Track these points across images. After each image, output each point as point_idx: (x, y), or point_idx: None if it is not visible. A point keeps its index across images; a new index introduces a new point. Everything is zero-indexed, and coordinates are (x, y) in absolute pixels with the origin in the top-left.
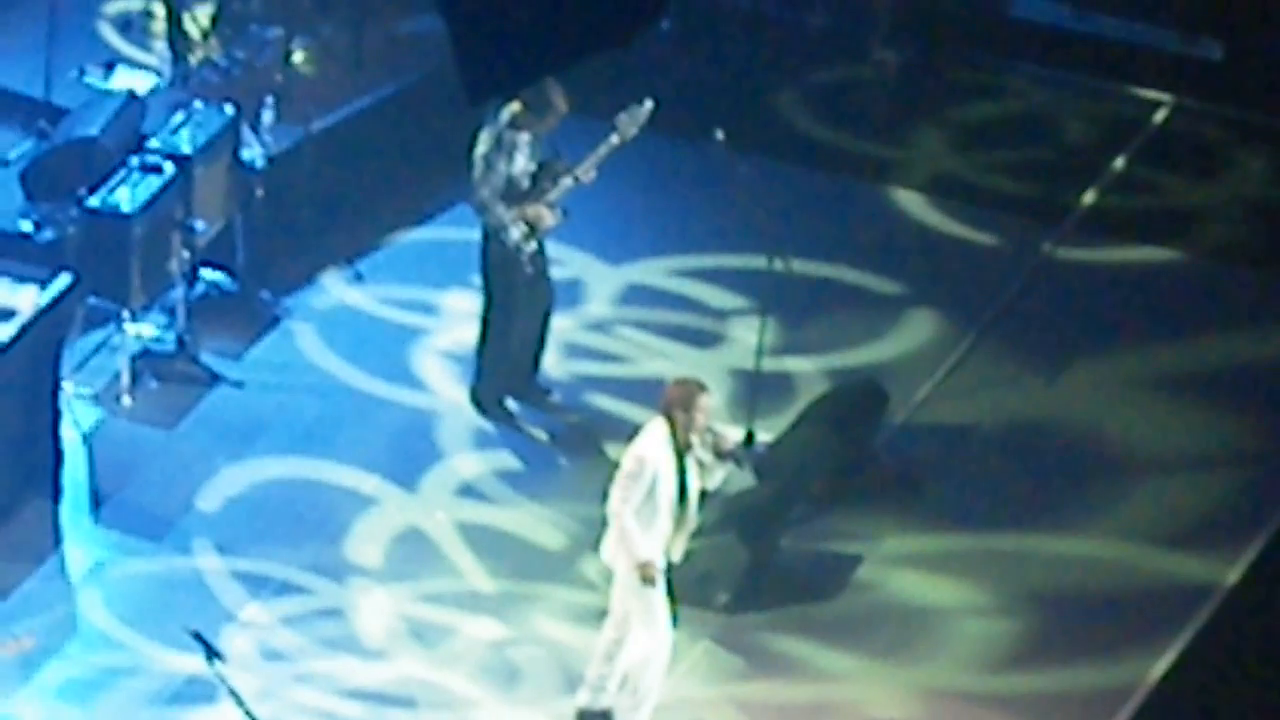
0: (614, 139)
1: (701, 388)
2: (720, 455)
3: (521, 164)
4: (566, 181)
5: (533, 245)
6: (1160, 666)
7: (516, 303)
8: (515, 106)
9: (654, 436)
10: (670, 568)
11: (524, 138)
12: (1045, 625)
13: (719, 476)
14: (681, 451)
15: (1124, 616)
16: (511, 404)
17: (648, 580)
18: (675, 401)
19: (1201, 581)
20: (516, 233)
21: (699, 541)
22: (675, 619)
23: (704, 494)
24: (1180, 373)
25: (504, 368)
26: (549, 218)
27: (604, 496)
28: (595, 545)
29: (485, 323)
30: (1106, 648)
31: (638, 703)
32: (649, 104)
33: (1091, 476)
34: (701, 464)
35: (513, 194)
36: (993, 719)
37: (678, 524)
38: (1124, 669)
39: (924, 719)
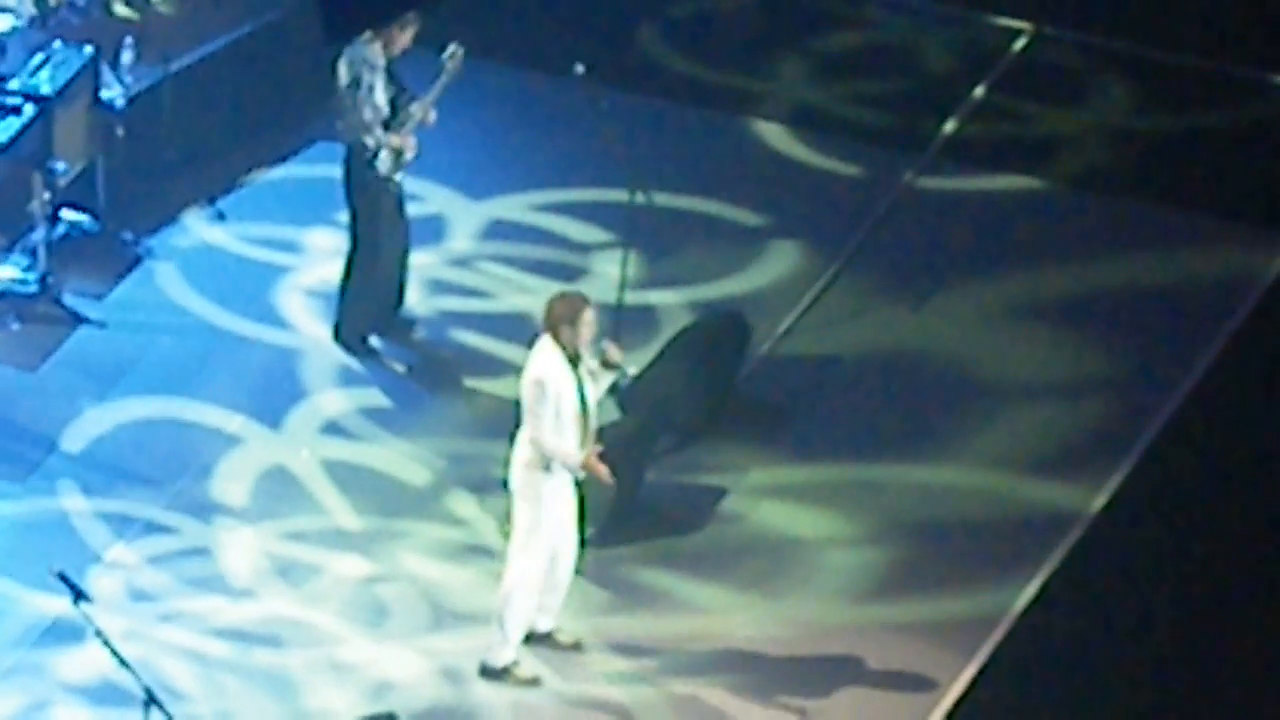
0: (444, 81)
1: (585, 301)
2: (606, 365)
3: (380, 90)
4: (415, 113)
5: (399, 176)
6: (1026, 594)
7: (382, 238)
8: (368, 34)
9: (547, 355)
10: (579, 484)
11: (380, 63)
12: (911, 555)
13: (604, 386)
14: (575, 364)
15: (989, 545)
16: (375, 341)
17: (590, 472)
18: (561, 317)
19: (1066, 509)
20: (388, 159)
21: None
22: (583, 540)
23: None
24: (1042, 301)
25: (368, 304)
26: (412, 147)
27: (469, 431)
28: (460, 481)
29: (350, 259)
30: (972, 576)
31: (504, 636)
32: (458, 49)
33: (955, 405)
34: (591, 374)
35: (381, 120)
36: (860, 648)
37: (583, 438)
38: (990, 597)
39: (792, 650)
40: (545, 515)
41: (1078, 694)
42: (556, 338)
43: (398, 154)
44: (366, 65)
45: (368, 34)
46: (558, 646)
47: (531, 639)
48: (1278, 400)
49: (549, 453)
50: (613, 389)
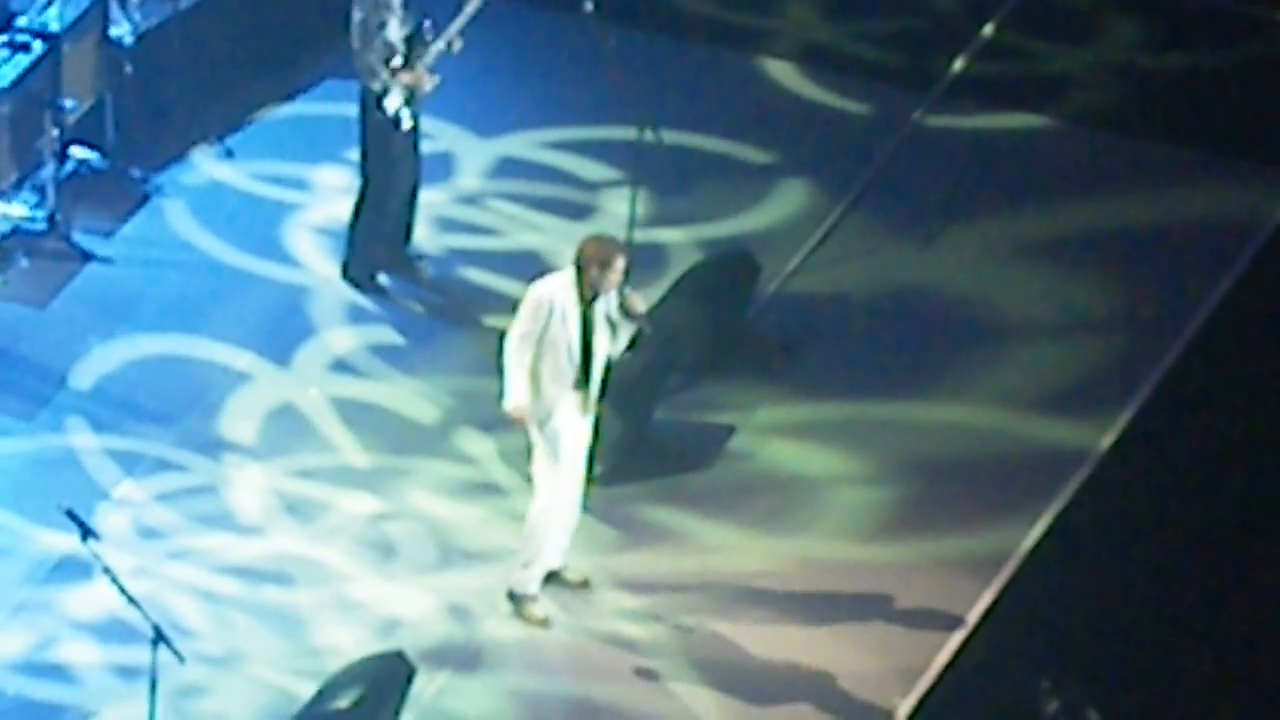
0: (471, 6)
1: (619, 247)
2: (630, 316)
3: (395, 28)
4: (439, 45)
5: (409, 113)
6: (1033, 533)
7: (393, 175)
8: None
9: (558, 280)
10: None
11: (396, 0)
12: (919, 493)
13: (625, 338)
14: (586, 304)
15: (998, 483)
16: (384, 278)
17: (517, 424)
18: (591, 258)
19: (1075, 447)
20: (398, 98)
21: None
22: (591, 477)
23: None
24: (1051, 239)
25: (377, 241)
26: (427, 82)
27: (478, 369)
28: (469, 419)
29: (360, 197)
30: (980, 514)
31: (526, 562)
32: None
33: (964, 343)
34: (612, 323)
35: (390, 60)
36: (868, 586)
37: (587, 380)
38: (997, 535)
39: (800, 587)
40: (560, 441)
41: (1088, 631)
42: (582, 274)
43: (410, 91)
44: (379, 5)
45: None
46: (566, 584)
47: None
48: None
49: (505, 369)
50: (633, 343)
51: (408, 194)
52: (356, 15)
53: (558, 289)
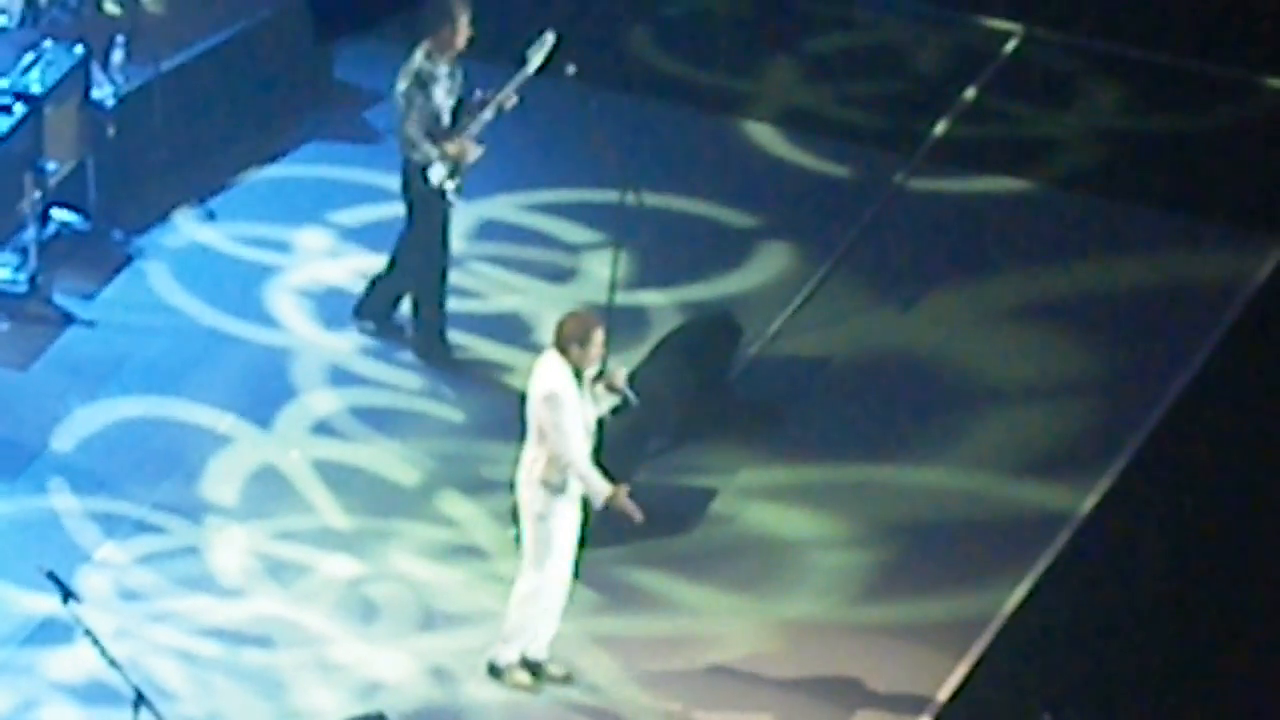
0: (528, 69)
1: (596, 320)
2: (611, 388)
3: (441, 97)
4: (487, 114)
5: (456, 182)
6: (1016, 595)
7: (438, 243)
8: (428, 41)
9: (555, 370)
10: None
11: (442, 70)
12: (901, 556)
13: (605, 408)
14: (581, 383)
15: (979, 546)
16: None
17: (618, 509)
18: (572, 335)
19: (1054, 510)
20: (441, 170)
21: None
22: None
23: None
24: (1032, 302)
25: (437, 308)
26: (473, 152)
27: (460, 431)
28: (451, 481)
29: (396, 264)
30: (962, 577)
31: (506, 637)
32: (550, 36)
33: (945, 406)
34: (595, 396)
35: (436, 130)
36: (850, 649)
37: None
38: (980, 598)
39: (782, 651)
40: (555, 534)
41: (1068, 695)
42: (565, 355)
43: (454, 162)
44: (422, 76)
45: (425, 43)
46: (549, 679)
47: (524, 665)
48: (1266, 403)
49: (581, 477)
50: (615, 409)
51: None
52: (400, 85)
53: (554, 377)
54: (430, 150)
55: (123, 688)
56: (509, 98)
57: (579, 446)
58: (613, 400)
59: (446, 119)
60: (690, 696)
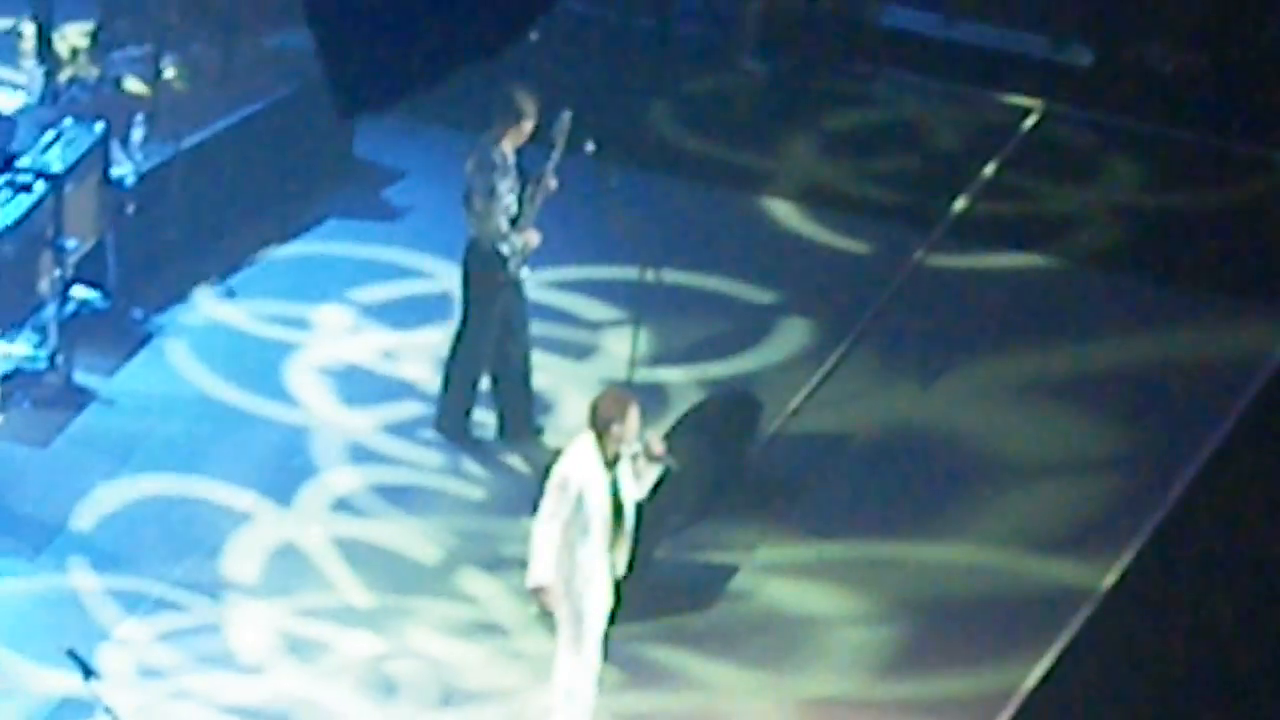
0: (557, 152)
1: (630, 399)
2: (652, 458)
3: (509, 185)
4: (539, 199)
5: (526, 270)
6: (1035, 672)
7: (492, 331)
8: (498, 130)
9: (581, 453)
10: (618, 585)
11: (508, 161)
12: (920, 632)
13: (649, 480)
14: (611, 467)
15: (999, 622)
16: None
17: (541, 607)
18: (607, 418)
19: (1074, 587)
20: (519, 258)
21: None
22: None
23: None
24: (1052, 378)
25: (471, 393)
26: (536, 238)
27: (480, 509)
28: (471, 558)
29: (458, 351)
30: (982, 654)
31: None
32: (567, 114)
33: (964, 483)
34: (636, 472)
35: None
36: None
37: (616, 538)
38: (999, 675)
39: None
40: (585, 610)
41: None
42: (602, 436)
43: (524, 248)
44: (494, 166)
45: (494, 132)
46: None
47: None
48: None
49: (533, 551)
50: (658, 484)
51: (523, 357)
52: (476, 181)
53: (579, 462)
54: (515, 240)
55: None
56: (550, 181)
57: (552, 516)
58: (656, 471)
59: (514, 207)
60: None
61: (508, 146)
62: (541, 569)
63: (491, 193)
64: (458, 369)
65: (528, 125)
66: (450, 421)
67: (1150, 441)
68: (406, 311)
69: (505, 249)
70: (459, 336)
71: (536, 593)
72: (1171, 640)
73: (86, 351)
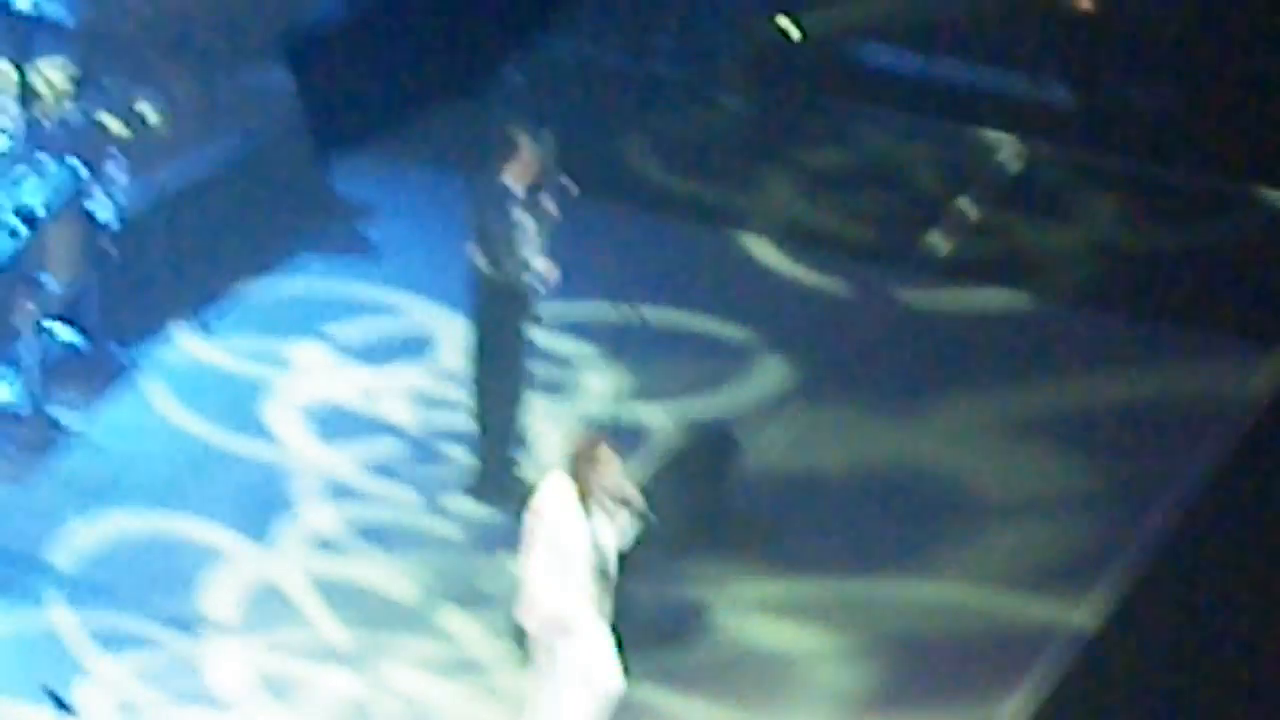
0: (549, 177)
1: (602, 438)
2: (626, 503)
3: (524, 215)
4: (546, 226)
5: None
6: (1014, 709)
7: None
8: (495, 164)
9: (551, 491)
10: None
11: (519, 191)
12: (899, 670)
13: (622, 524)
14: (588, 508)
15: (975, 660)
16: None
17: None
18: (580, 455)
19: (1053, 625)
20: (544, 291)
21: None
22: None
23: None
24: (1028, 416)
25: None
26: (555, 269)
27: (458, 546)
28: (450, 596)
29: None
30: (960, 692)
31: None
32: (547, 133)
33: (941, 520)
34: (609, 513)
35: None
36: None
37: (601, 580)
38: (979, 713)
39: None
40: (565, 678)
41: None
42: (575, 476)
43: (547, 280)
44: (504, 199)
45: (505, 165)
46: None
47: None
48: (1264, 518)
49: (524, 591)
50: (639, 538)
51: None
52: (492, 219)
53: (545, 501)
54: (539, 272)
55: None
56: (550, 207)
57: (536, 562)
58: (635, 524)
59: (535, 241)
60: None
61: (511, 179)
62: (525, 598)
63: (511, 226)
64: (495, 424)
65: (528, 158)
66: (494, 485)
67: (1127, 479)
68: (385, 349)
69: (531, 282)
70: (483, 389)
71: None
72: (1148, 677)
73: (66, 389)
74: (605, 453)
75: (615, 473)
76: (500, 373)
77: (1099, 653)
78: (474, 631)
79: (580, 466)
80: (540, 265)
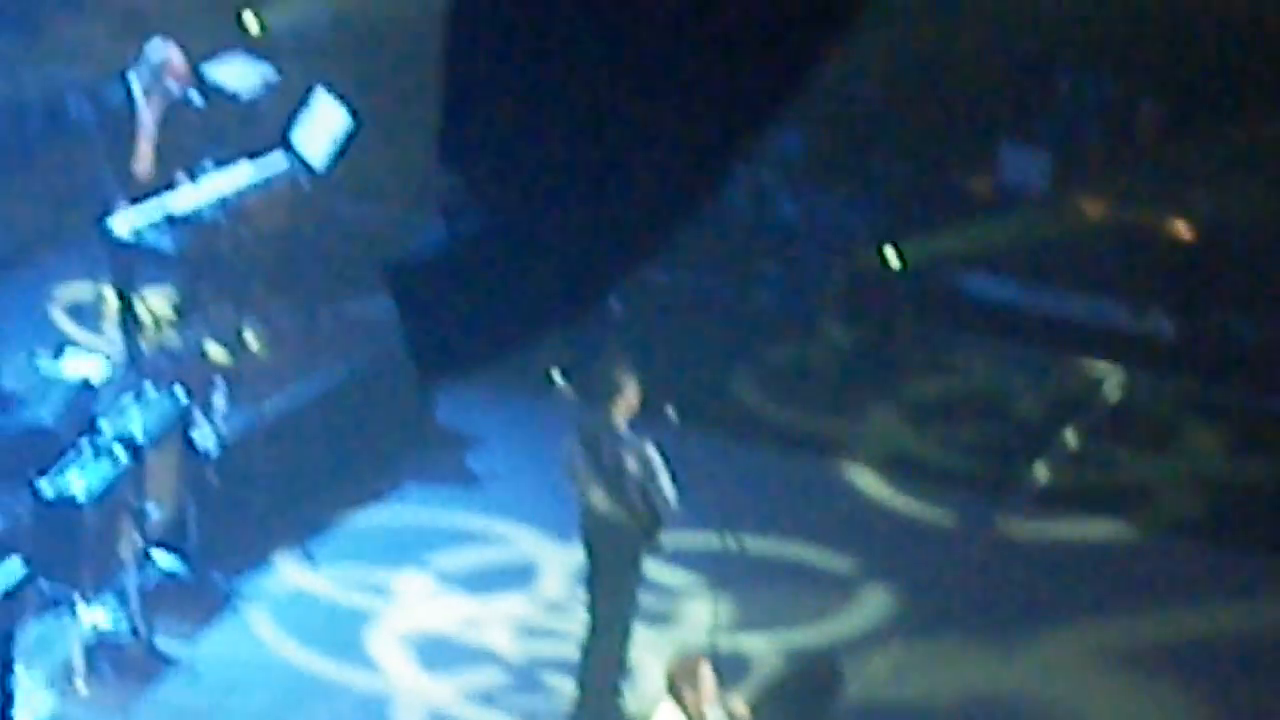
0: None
1: (701, 658)
2: (733, 717)
3: (631, 454)
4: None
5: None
6: None
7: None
8: (607, 403)
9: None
10: None
11: (623, 429)
12: None
13: None
14: None
15: None
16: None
17: None
18: (680, 678)
19: None
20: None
21: None
22: None
23: None
24: (1132, 648)
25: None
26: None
27: None
28: None
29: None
30: None
31: None
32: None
33: None
34: None
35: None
36: None
37: None
38: None
39: None
40: None
41: None
42: (679, 700)
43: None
44: (612, 440)
45: (607, 403)
46: None
47: None
48: None
49: None
50: None
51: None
52: (586, 459)
53: None
54: (670, 498)
55: None
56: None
57: None
58: None
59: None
60: None
61: (617, 418)
62: None
63: (620, 466)
64: (601, 653)
65: (631, 395)
66: (595, 715)
67: (1230, 712)
68: (487, 578)
69: (659, 511)
70: (593, 618)
71: None
72: None
73: (167, 619)
74: (706, 671)
75: (716, 690)
76: (612, 603)
77: None
78: None
79: (682, 687)
80: (668, 494)
